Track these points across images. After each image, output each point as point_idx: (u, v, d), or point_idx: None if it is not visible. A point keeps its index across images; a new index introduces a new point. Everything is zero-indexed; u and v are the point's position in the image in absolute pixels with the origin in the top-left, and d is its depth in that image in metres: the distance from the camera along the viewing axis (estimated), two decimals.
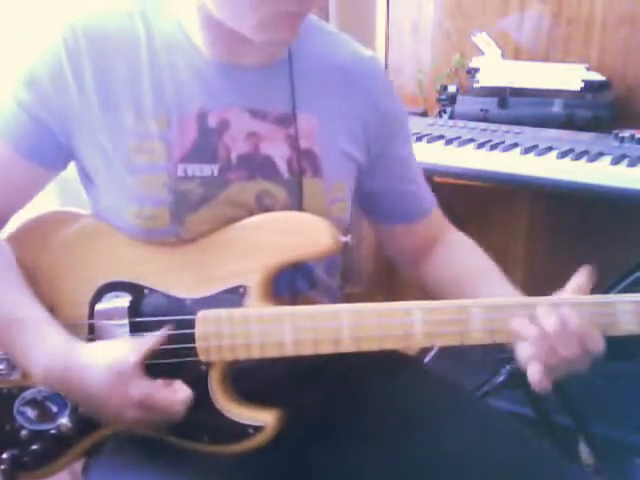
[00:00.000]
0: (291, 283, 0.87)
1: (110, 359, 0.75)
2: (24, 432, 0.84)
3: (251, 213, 0.82)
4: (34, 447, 0.83)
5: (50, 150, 0.83)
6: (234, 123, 0.82)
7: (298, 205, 0.84)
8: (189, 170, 0.81)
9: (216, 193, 0.81)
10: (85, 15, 0.82)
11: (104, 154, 0.81)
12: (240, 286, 0.80)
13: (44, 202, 0.90)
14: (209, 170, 0.81)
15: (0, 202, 0.84)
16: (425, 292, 0.97)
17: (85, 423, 0.83)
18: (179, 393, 0.75)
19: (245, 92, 0.83)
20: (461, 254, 0.97)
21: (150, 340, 0.77)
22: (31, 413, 0.84)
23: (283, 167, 0.84)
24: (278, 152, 0.83)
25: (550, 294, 0.77)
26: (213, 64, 0.82)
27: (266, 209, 0.83)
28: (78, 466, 0.89)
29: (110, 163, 0.81)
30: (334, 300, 0.96)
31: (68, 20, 0.81)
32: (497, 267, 0.91)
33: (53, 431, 0.83)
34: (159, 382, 0.75)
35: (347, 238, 0.84)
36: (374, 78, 0.91)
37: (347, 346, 0.76)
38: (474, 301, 0.76)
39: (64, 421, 0.83)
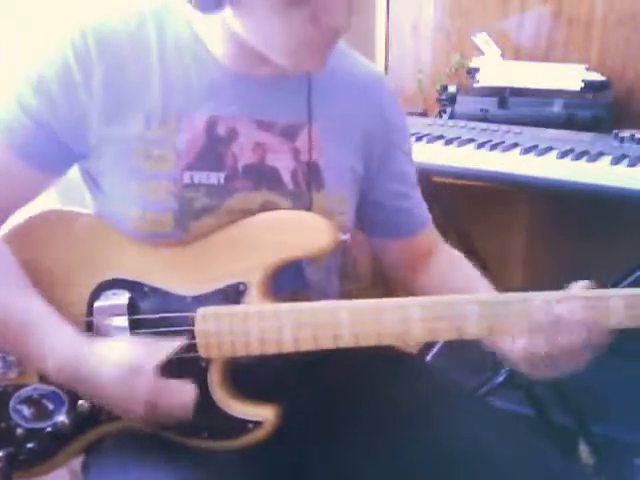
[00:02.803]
0: (289, 281, 0.87)
1: (126, 362, 0.74)
2: (20, 430, 0.83)
3: None
4: (30, 445, 0.83)
5: (53, 155, 0.82)
6: (242, 133, 0.82)
7: None
8: (195, 178, 0.80)
9: (221, 202, 0.81)
10: (95, 18, 0.80)
11: (110, 158, 0.80)
12: (240, 283, 0.80)
13: (44, 202, 0.90)
14: (215, 178, 0.81)
15: None
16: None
17: (81, 421, 0.83)
18: (185, 396, 0.75)
19: (254, 102, 0.82)
20: (455, 270, 0.97)
21: (168, 349, 0.76)
22: (27, 411, 0.83)
23: (287, 179, 0.84)
24: (283, 164, 0.83)
25: None
26: (226, 72, 0.81)
27: None
28: (78, 465, 0.89)
29: (116, 168, 0.80)
30: (332, 298, 0.95)
31: (77, 23, 0.79)
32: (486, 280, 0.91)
33: (49, 429, 0.83)
34: (168, 384, 0.75)
35: (346, 236, 0.84)
36: (381, 91, 0.92)
37: (346, 342, 0.77)
38: (471, 296, 0.77)
39: (60, 419, 0.82)
